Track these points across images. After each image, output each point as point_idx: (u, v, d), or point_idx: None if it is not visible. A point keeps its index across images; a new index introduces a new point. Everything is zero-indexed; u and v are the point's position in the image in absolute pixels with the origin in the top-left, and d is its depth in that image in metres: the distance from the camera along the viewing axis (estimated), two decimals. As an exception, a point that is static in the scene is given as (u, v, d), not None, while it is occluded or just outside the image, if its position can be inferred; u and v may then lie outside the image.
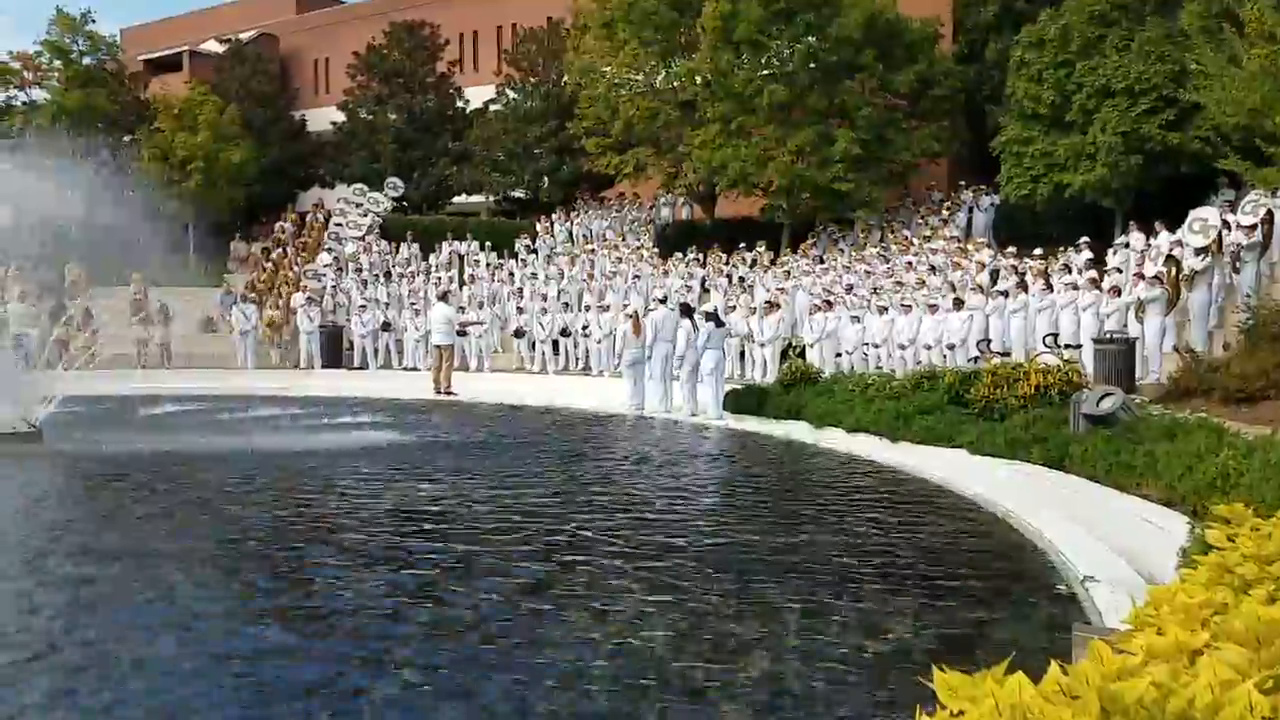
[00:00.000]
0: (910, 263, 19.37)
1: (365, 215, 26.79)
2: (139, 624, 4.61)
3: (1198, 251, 13.66)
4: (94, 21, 30.02)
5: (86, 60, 30.22)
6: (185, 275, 24.96)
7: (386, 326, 21.47)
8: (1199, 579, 2.27)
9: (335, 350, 21.45)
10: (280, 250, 25.63)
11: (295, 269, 24.00)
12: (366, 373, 20.55)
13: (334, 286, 22.91)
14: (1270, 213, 14.25)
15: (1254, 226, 14.20)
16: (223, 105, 28.70)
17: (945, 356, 15.05)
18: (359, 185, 28.17)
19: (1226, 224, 14.46)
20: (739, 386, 14.20)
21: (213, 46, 35.73)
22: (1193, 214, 14.44)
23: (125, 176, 24.17)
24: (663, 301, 15.80)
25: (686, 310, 14.37)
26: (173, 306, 21.63)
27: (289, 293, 22.45)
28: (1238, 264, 14.24)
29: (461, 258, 25.72)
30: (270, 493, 7.99)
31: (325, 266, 23.94)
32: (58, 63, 29.83)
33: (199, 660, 4.15)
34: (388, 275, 24.29)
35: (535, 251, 25.80)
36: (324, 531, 6.67)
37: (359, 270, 24.11)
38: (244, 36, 36.33)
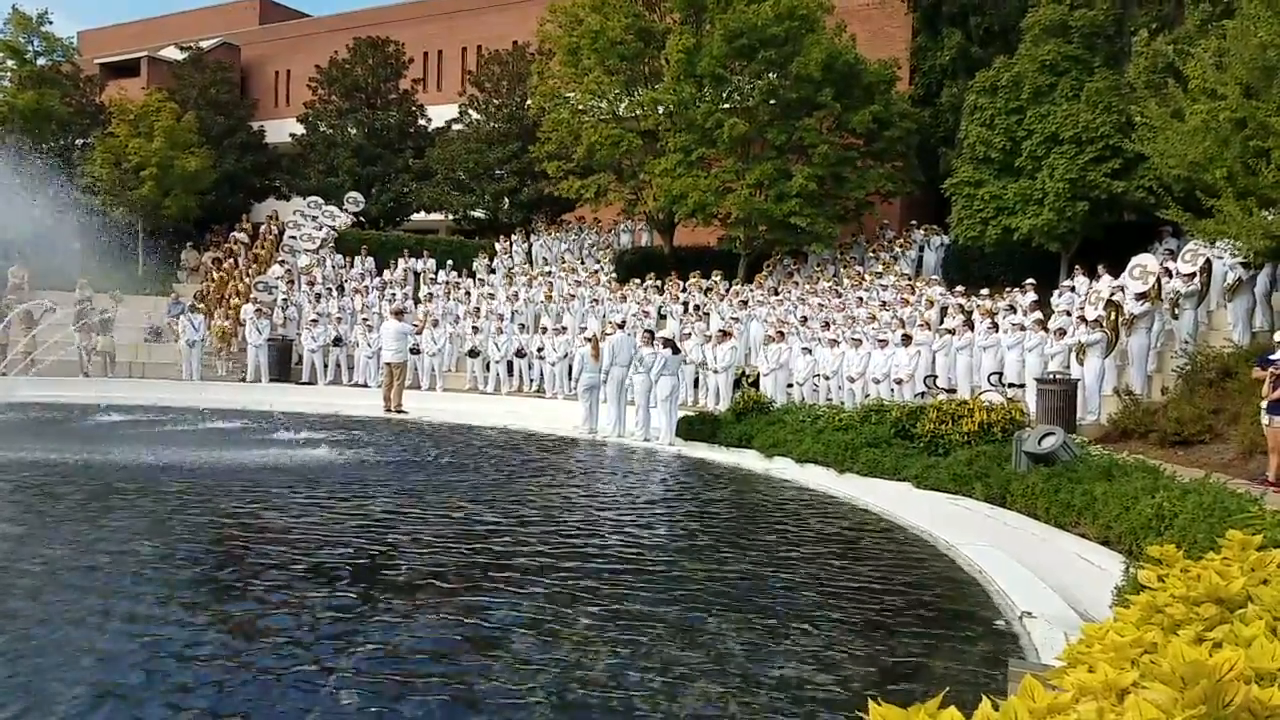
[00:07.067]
0: (862, 298, 19.66)
1: (321, 228, 26.50)
2: None
3: (1138, 297, 14.05)
4: (51, 22, 29.43)
5: (41, 61, 29.60)
6: (134, 283, 24.41)
7: (338, 341, 21.21)
8: (1130, 618, 2.33)
9: (284, 364, 21.13)
10: (231, 260, 25.23)
11: (246, 280, 23.63)
12: (314, 388, 20.25)
13: (285, 299, 22.59)
14: (1209, 262, 14.71)
15: (1193, 275, 14.66)
16: (180, 112, 28.20)
17: (893, 391, 15.28)
18: (315, 198, 27.85)
19: (1167, 271, 14.91)
20: (692, 413, 14.25)
21: (172, 53, 35.13)
22: (1134, 260, 14.85)
23: (76, 180, 23.62)
24: (620, 326, 15.81)
25: (647, 336, 14.41)
26: (117, 314, 21.10)
27: (239, 304, 22.09)
28: (1176, 310, 14.68)
29: (418, 275, 25.55)
30: (195, 508, 7.77)
31: (277, 279, 23.61)
32: (11, 62, 29.15)
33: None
34: (340, 289, 24.02)
35: (494, 271, 25.74)
36: (248, 550, 6.53)
37: (311, 283, 23.81)
38: (205, 44, 35.82)
